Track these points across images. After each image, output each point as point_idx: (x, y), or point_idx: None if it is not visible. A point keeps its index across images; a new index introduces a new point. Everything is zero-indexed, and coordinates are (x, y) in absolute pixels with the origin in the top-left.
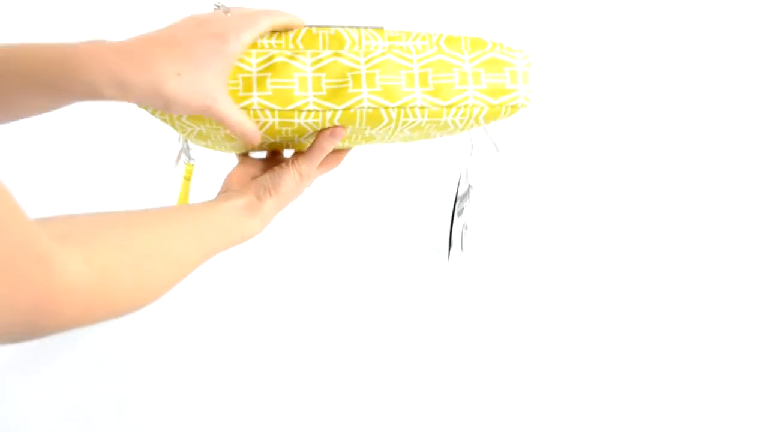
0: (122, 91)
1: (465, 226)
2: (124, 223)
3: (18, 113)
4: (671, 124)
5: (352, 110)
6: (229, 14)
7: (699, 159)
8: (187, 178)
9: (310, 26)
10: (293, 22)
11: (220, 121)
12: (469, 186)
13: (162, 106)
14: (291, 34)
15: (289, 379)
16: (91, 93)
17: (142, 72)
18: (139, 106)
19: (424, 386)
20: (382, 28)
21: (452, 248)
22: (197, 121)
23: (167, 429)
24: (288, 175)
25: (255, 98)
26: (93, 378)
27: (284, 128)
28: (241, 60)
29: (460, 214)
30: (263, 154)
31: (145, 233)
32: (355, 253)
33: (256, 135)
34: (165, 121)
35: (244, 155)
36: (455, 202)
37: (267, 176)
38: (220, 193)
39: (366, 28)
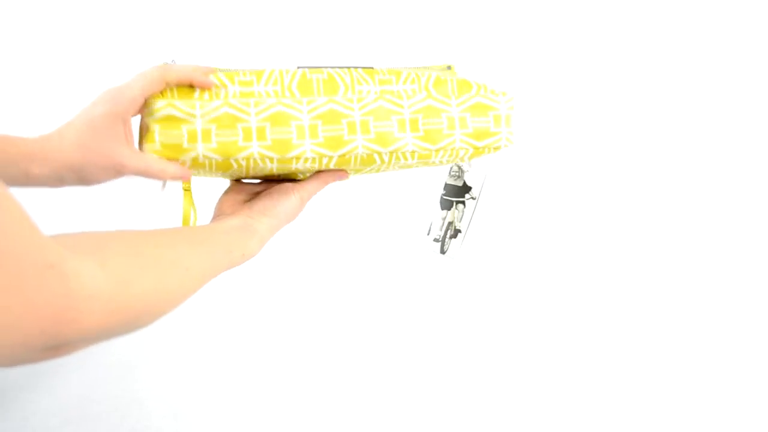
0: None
1: (454, 230)
2: (130, 235)
3: None
4: (662, 128)
5: (347, 156)
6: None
7: (689, 168)
8: (187, 189)
9: (304, 68)
10: (191, 76)
11: (139, 175)
12: (469, 189)
13: (78, 179)
14: (287, 80)
15: (287, 377)
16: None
17: (58, 154)
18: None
19: (417, 381)
20: (372, 68)
21: (431, 235)
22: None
23: (169, 429)
24: (289, 201)
25: (255, 148)
26: (96, 380)
27: (281, 170)
28: (239, 110)
29: (447, 207)
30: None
31: (154, 243)
32: (351, 252)
33: (183, 174)
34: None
35: (236, 180)
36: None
37: (265, 199)
38: (213, 218)
39: (356, 68)
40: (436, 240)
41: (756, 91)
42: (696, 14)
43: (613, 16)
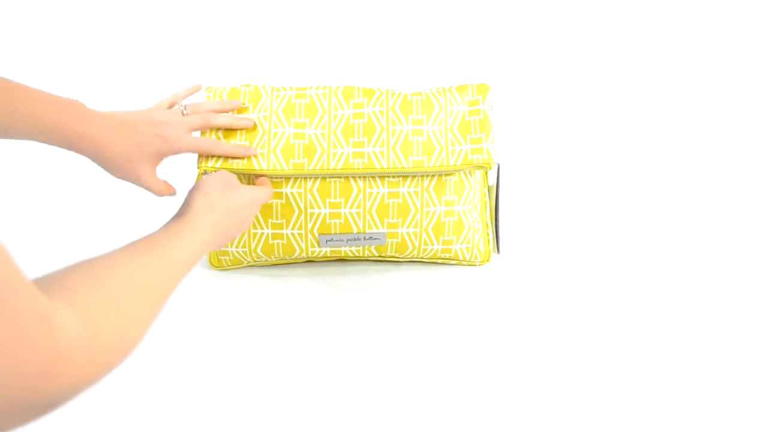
0: (91, 152)
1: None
2: (90, 266)
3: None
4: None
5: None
6: (185, 112)
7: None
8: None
9: (330, 241)
10: (233, 124)
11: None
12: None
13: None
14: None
15: (295, 385)
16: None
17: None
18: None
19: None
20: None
21: (499, 241)
22: None
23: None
24: (237, 194)
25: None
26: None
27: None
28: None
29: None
30: None
31: (111, 266)
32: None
33: (171, 191)
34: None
35: None
36: (497, 193)
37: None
38: None
39: (370, 248)
40: None
41: (756, 91)
42: (696, 15)
43: (614, 18)
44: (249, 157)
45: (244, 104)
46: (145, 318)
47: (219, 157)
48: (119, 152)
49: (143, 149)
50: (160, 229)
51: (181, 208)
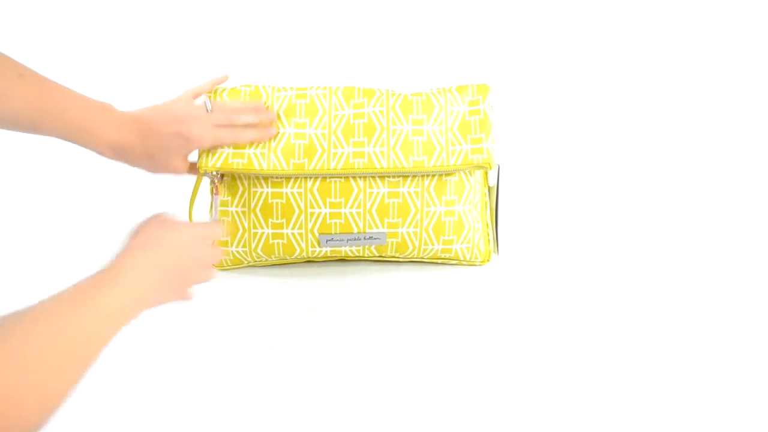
0: (116, 155)
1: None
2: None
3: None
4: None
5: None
6: (209, 109)
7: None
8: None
9: (332, 240)
10: (256, 121)
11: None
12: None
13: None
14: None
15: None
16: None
17: (132, 148)
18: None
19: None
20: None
21: (498, 241)
22: None
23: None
24: (178, 233)
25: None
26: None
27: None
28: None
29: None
30: None
31: (24, 324)
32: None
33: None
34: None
35: None
36: (497, 194)
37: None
38: None
39: (370, 247)
40: None
41: (756, 92)
42: (696, 15)
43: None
44: (275, 136)
45: (266, 105)
46: (68, 380)
47: (220, 155)
48: (144, 157)
49: (169, 150)
50: (89, 277)
51: (114, 254)
